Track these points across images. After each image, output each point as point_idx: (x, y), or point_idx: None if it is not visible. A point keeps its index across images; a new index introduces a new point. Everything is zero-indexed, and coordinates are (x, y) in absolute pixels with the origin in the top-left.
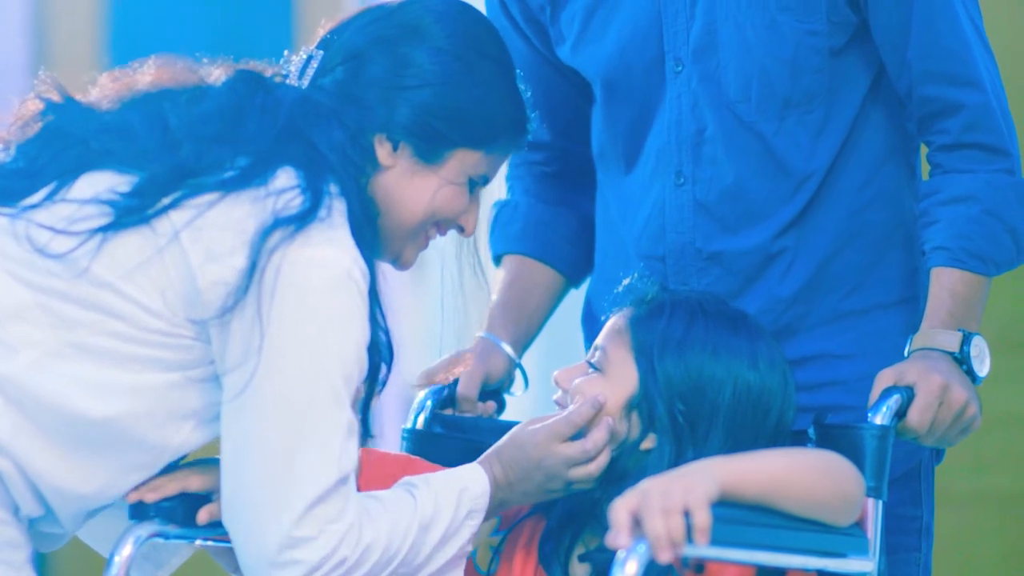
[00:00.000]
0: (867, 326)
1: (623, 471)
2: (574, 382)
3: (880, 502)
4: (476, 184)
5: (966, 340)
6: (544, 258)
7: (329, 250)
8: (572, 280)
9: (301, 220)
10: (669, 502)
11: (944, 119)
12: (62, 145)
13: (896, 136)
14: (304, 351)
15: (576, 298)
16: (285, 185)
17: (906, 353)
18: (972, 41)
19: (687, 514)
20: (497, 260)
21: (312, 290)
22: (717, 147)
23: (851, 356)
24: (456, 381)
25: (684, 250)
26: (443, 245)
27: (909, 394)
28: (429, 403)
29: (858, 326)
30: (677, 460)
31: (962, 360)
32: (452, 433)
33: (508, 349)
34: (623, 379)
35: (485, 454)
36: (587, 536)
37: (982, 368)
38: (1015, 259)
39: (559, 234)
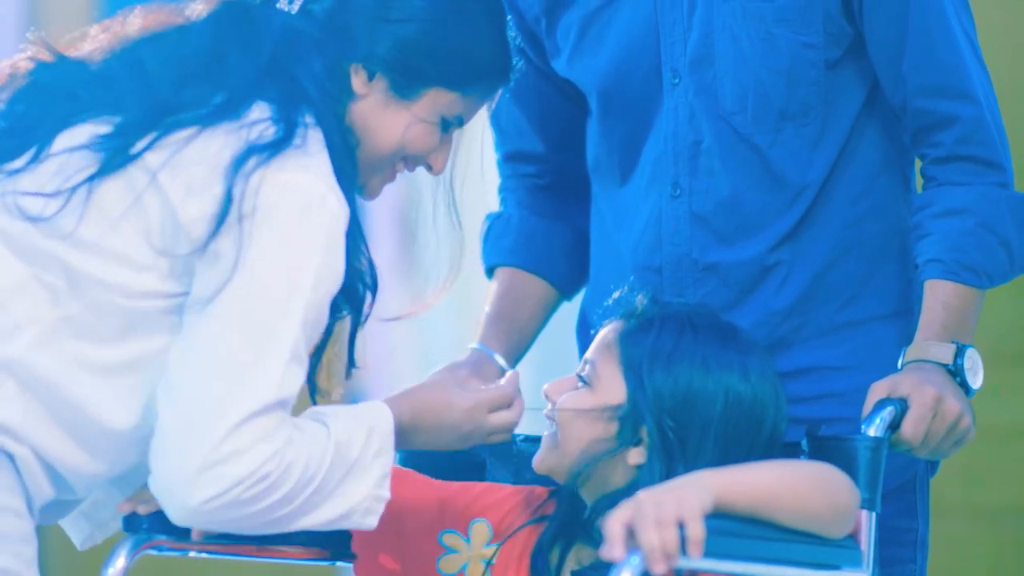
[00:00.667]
0: (862, 338)
1: (611, 485)
2: (560, 399)
3: (873, 514)
4: (450, 125)
5: (960, 352)
6: (537, 270)
7: (304, 176)
8: (565, 293)
9: (274, 147)
10: (663, 514)
11: (938, 132)
12: (50, 101)
13: (891, 149)
14: (274, 271)
15: (570, 309)
16: (259, 117)
17: (900, 365)
18: (967, 55)
19: (681, 526)
20: (489, 272)
21: (286, 214)
22: (714, 159)
23: (846, 368)
24: None
25: (680, 261)
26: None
27: (903, 406)
28: None
29: (853, 338)
30: (668, 475)
31: (956, 372)
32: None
33: (501, 361)
34: (611, 393)
35: (395, 395)
36: (579, 550)
37: (975, 380)
38: (1008, 272)
39: (552, 247)
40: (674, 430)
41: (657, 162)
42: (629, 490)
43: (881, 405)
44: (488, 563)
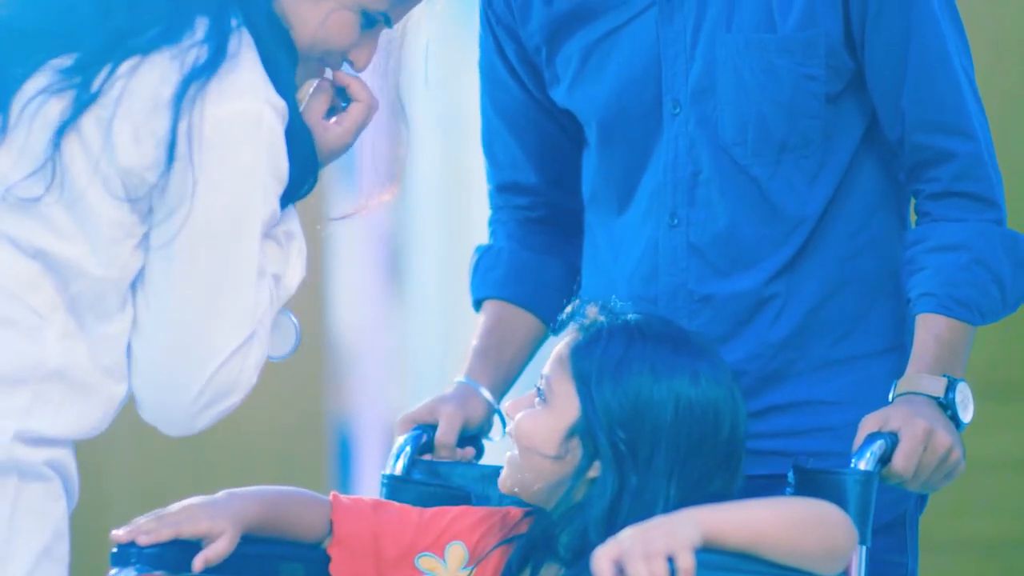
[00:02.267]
0: (856, 373)
1: (574, 501)
2: (517, 417)
3: (864, 548)
4: (373, 21)
5: (951, 386)
6: (526, 305)
7: (239, 102)
8: (553, 328)
9: (209, 69)
10: (651, 547)
11: (935, 167)
12: (11, 41)
13: (888, 185)
14: (226, 203)
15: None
16: (193, 41)
17: (890, 398)
18: (966, 92)
19: (671, 560)
20: (477, 305)
21: (230, 146)
22: (712, 190)
23: (840, 403)
24: (434, 426)
25: (676, 292)
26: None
27: (893, 440)
28: (408, 448)
29: (847, 373)
30: (621, 488)
31: (946, 406)
32: (432, 479)
33: (487, 394)
34: (566, 409)
35: None
36: (548, 568)
37: (966, 415)
38: (1001, 310)
39: (542, 281)
40: (625, 442)
41: (655, 192)
42: (584, 506)
43: (871, 439)
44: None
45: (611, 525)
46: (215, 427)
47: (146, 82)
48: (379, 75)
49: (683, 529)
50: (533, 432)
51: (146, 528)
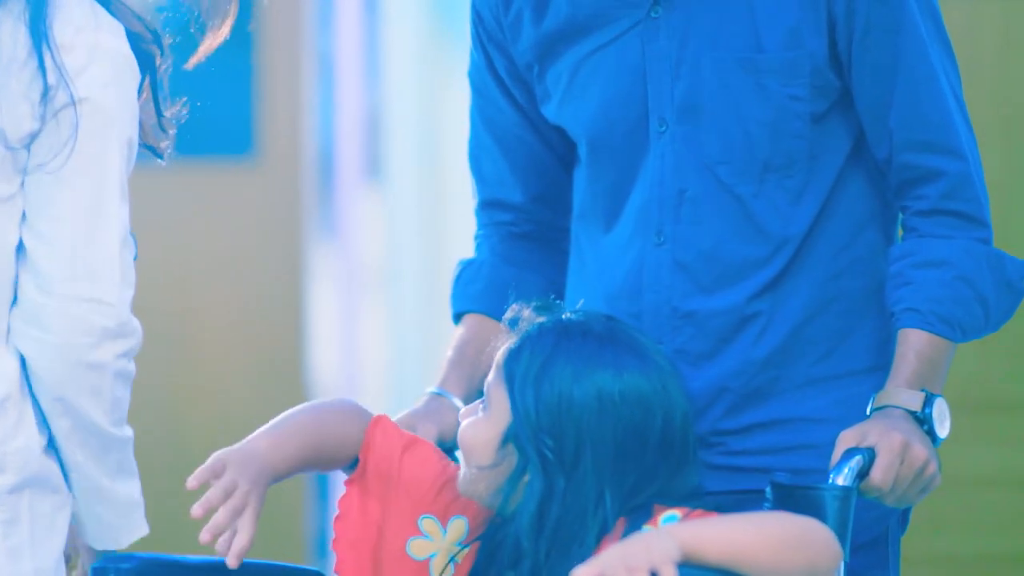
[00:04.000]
0: (839, 392)
1: (510, 508)
2: (460, 426)
3: (842, 563)
4: None
5: (928, 401)
6: (501, 318)
7: (82, 36)
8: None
9: (39, 12)
10: (632, 562)
11: (923, 185)
12: None
13: (875, 203)
14: (96, 129)
15: None
16: None
17: (868, 411)
18: (954, 112)
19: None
20: (457, 318)
21: (97, 80)
22: (698, 208)
23: (823, 420)
24: None
25: (660, 309)
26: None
27: (871, 454)
28: None
29: (830, 391)
30: (548, 492)
31: (923, 420)
32: None
33: (459, 404)
34: (500, 416)
35: None
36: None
37: (942, 430)
38: (983, 328)
39: (521, 296)
40: (550, 447)
41: (642, 210)
42: (516, 513)
43: (849, 454)
44: (453, 559)
45: (540, 530)
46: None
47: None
48: None
49: (662, 544)
50: (472, 441)
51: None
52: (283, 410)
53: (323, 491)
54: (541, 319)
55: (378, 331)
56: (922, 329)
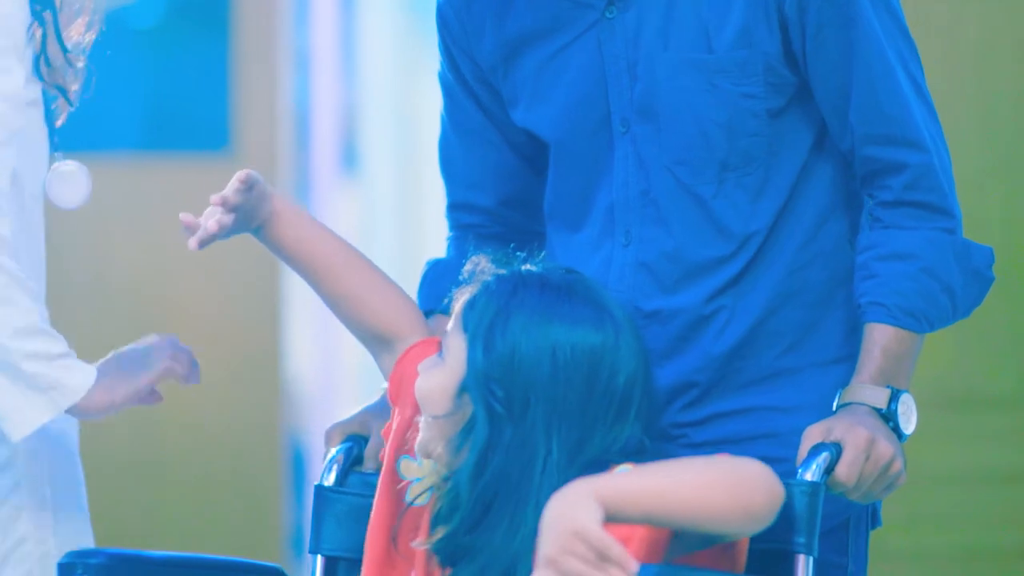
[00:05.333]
0: (804, 382)
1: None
2: (417, 381)
3: (811, 559)
4: None
5: (894, 397)
6: None
7: None
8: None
9: None
10: (569, 546)
11: (886, 177)
12: None
13: (839, 193)
14: None
15: None
16: None
17: (834, 407)
18: (913, 103)
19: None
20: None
21: None
22: (660, 208)
23: (784, 409)
24: (365, 438)
25: (623, 309)
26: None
27: (838, 450)
28: (341, 460)
29: (794, 382)
30: (494, 442)
31: (889, 417)
32: (365, 491)
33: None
34: (456, 364)
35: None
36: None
37: (908, 426)
38: (950, 318)
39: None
40: (499, 398)
41: (609, 211)
42: (464, 467)
43: (817, 450)
44: (432, 490)
45: (477, 480)
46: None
47: None
48: None
49: (579, 512)
50: (427, 391)
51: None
52: (260, 404)
53: (299, 489)
54: (501, 271)
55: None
56: (887, 323)
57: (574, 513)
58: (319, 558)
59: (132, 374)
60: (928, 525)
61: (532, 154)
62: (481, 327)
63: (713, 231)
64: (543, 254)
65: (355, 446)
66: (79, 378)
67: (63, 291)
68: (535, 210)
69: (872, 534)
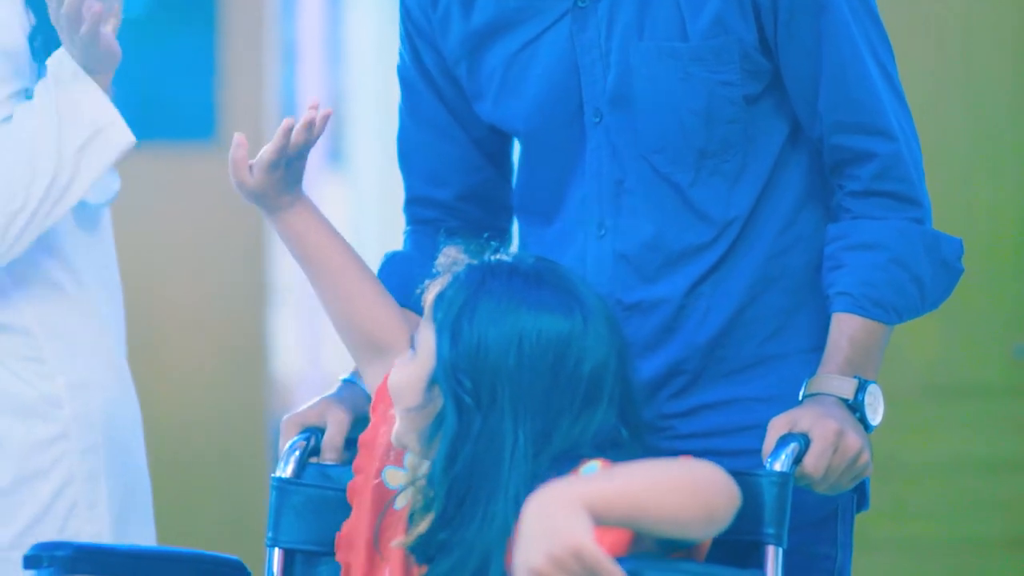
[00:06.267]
0: (786, 371)
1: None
2: (390, 376)
3: (780, 549)
4: None
5: (861, 387)
6: (419, 311)
7: None
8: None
9: None
10: (555, 551)
11: (855, 166)
12: None
13: (817, 179)
14: None
15: None
16: None
17: (800, 397)
18: (882, 91)
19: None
20: None
21: None
22: (636, 198)
23: (769, 399)
24: (322, 429)
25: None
26: None
27: (805, 441)
28: (299, 451)
29: (777, 371)
30: (463, 433)
31: (855, 408)
32: (323, 482)
33: (371, 393)
34: (427, 356)
35: None
36: None
37: (875, 417)
38: (919, 308)
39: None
40: (467, 389)
41: (582, 202)
42: (436, 460)
43: (785, 440)
44: (403, 488)
45: (448, 472)
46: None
47: None
48: None
49: (576, 526)
50: (399, 383)
51: None
52: (245, 394)
53: None
54: (472, 261)
55: None
56: (855, 313)
57: (569, 526)
58: (277, 551)
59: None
60: (914, 514)
61: (493, 149)
62: (448, 318)
63: (692, 218)
64: (512, 246)
65: (312, 437)
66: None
67: None
68: (494, 205)
69: (858, 523)
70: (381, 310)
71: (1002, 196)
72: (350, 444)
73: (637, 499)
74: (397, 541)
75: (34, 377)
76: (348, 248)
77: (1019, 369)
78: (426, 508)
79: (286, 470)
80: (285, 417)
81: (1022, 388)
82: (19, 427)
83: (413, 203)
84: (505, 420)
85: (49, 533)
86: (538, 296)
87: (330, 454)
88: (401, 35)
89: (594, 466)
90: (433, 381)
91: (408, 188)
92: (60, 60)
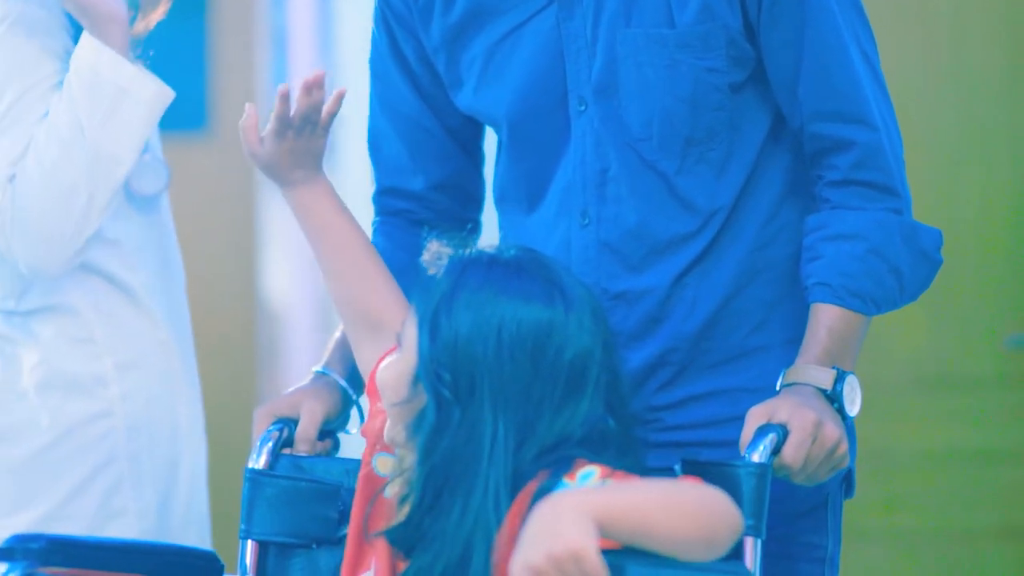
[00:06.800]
0: (772, 362)
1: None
2: (379, 368)
3: (759, 541)
4: None
5: (839, 378)
6: None
7: None
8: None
9: None
10: (556, 552)
11: (834, 155)
12: None
13: (799, 173)
14: None
15: None
16: None
17: (778, 387)
18: (864, 79)
19: None
20: None
21: None
22: (621, 186)
23: (756, 391)
24: (295, 420)
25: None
26: None
27: (784, 431)
28: (271, 442)
29: (764, 362)
30: (441, 426)
31: (834, 398)
32: (297, 474)
33: (342, 381)
34: (411, 351)
35: None
36: None
37: (852, 408)
38: (898, 300)
39: (410, 282)
40: (447, 382)
41: (566, 190)
42: (416, 453)
43: (763, 431)
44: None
45: (425, 465)
46: None
47: None
48: None
49: (581, 532)
50: (386, 379)
51: None
52: (236, 383)
53: None
54: (456, 252)
55: (331, 302)
56: (833, 304)
57: (574, 531)
58: (250, 543)
59: None
60: (904, 505)
61: (466, 138)
62: (428, 312)
63: (678, 207)
64: (482, 237)
65: (285, 428)
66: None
67: None
68: (465, 196)
69: (848, 514)
70: (384, 290)
71: (993, 185)
72: (323, 435)
73: (644, 519)
74: (376, 532)
75: (83, 356)
76: (357, 227)
77: (1009, 360)
78: (404, 499)
79: (259, 461)
80: (258, 408)
81: (1012, 379)
82: (67, 403)
83: (384, 194)
84: (485, 411)
85: (89, 507)
86: (518, 285)
87: (303, 446)
88: (376, 22)
89: (592, 471)
90: (416, 376)
91: (378, 179)
92: (81, 44)
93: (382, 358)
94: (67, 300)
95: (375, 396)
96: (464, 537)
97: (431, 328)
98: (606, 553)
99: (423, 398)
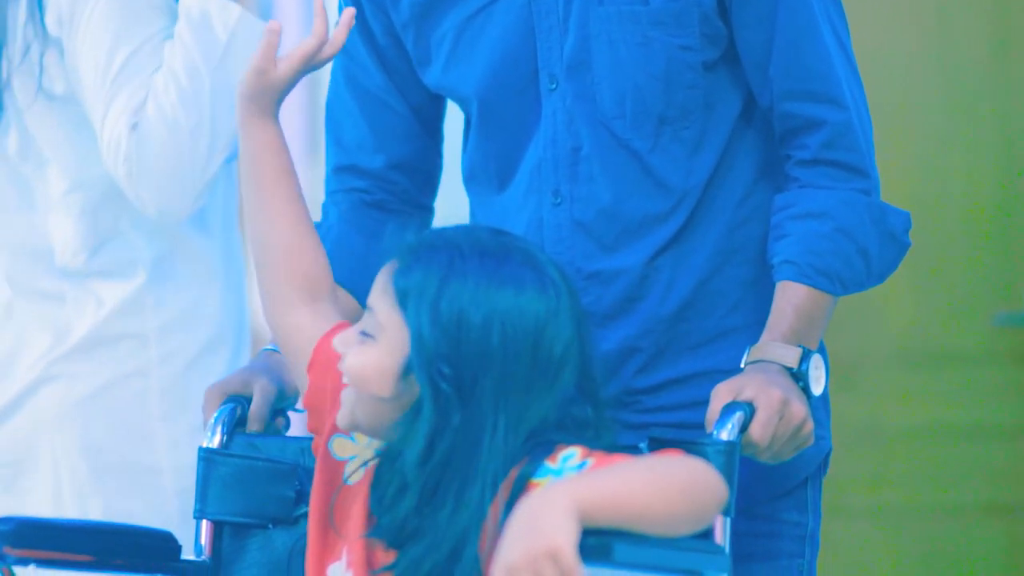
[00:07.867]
0: (750, 342)
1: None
2: (348, 357)
3: (728, 519)
4: None
5: (805, 357)
6: (344, 284)
7: None
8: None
9: None
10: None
11: (804, 135)
12: None
13: (772, 155)
14: None
15: None
16: None
17: (743, 364)
18: (836, 59)
19: None
20: None
21: None
22: (594, 165)
23: (735, 372)
24: (248, 398)
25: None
26: None
27: (751, 409)
28: (224, 421)
29: (741, 343)
30: (441, 425)
31: (799, 376)
32: (251, 452)
33: None
34: (396, 341)
35: None
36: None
37: (817, 387)
38: (865, 281)
39: (364, 264)
40: (447, 376)
41: (536, 169)
42: (405, 445)
43: (730, 408)
44: (365, 466)
45: (425, 464)
46: None
47: None
48: None
49: (560, 531)
50: (362, 370)
51: None
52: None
53: None
54: (427, 238)
55: None
56: (800, 282)
57: (554, 529)
58: (205, 523)
59: None
60: (891, 481)
61: (429, 117)
62: (425, 298)
63: (651, 185)
64: (469, 215)
65: (238, 406)
66: None
67: None
68: (423, 177)
69: (834, 490)
70: (320, 255)
71: (979, 163)
72: (275, 414)
73: (630, 502)
74: (364, 532)
75: (131, 318)
76: (299, 186)
77: (998, 337)
78: (397, 497)
79: (213, 440)
80: (208, 386)
81: (1000, 356)
82: (106, 360)
83: (341, 172)
84: (486, 408)
85: (113, 460)
86: (512, 273)
87: (256, 424)
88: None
89: (572, 452)
90: (408, 369)
91: (335, 156)
92: None
93: (330, 333)
94: (136, 258)
95: (318, 367)
96: (458, 530)
97: (431, 318)
98: (593, 532)
99: (414, 393)
